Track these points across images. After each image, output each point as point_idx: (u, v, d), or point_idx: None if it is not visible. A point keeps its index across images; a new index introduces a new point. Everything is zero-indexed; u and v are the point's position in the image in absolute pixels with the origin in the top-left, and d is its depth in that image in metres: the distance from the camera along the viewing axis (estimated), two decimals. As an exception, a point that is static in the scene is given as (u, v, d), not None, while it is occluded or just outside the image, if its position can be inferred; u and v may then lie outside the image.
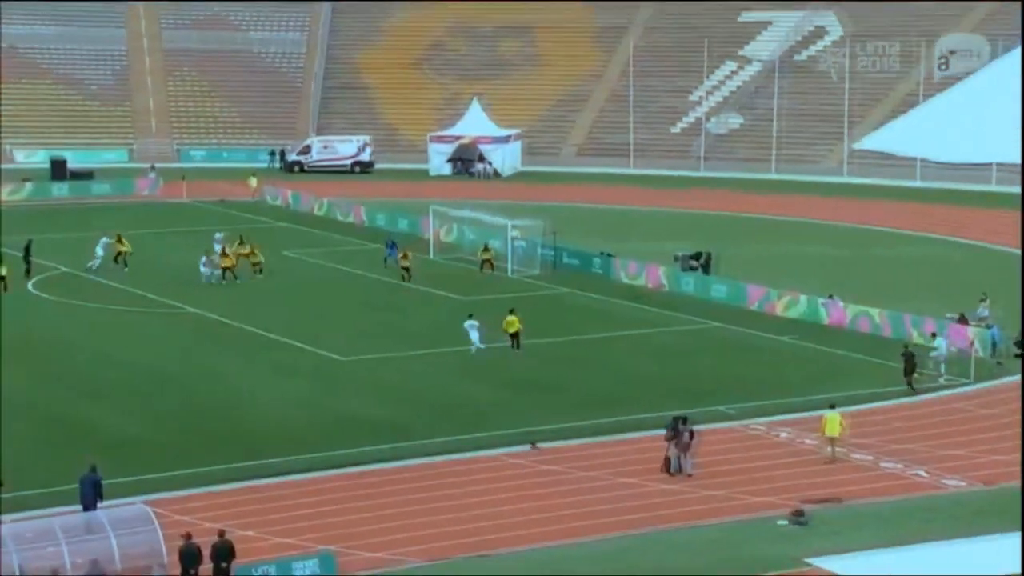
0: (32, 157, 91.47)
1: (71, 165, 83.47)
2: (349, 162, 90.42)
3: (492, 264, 54.66)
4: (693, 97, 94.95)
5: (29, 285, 51.03)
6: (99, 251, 55.19)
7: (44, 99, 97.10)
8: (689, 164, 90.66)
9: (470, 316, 42.15)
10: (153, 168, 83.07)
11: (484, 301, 49.11)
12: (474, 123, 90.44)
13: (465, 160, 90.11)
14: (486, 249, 55.28)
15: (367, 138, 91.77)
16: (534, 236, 56.96)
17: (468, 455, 32.06)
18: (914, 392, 37.53)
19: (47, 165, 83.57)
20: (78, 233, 63.41)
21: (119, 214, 71.16)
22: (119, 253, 55.23)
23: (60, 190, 78.39)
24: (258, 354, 41.52)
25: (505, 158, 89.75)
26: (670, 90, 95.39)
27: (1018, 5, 77.44)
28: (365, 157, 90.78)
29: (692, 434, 30.93)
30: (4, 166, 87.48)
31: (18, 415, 34.59)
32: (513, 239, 56.45)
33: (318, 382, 38.43)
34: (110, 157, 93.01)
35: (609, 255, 55.34)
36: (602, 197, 79.40)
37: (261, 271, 52.94)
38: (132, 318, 46.46)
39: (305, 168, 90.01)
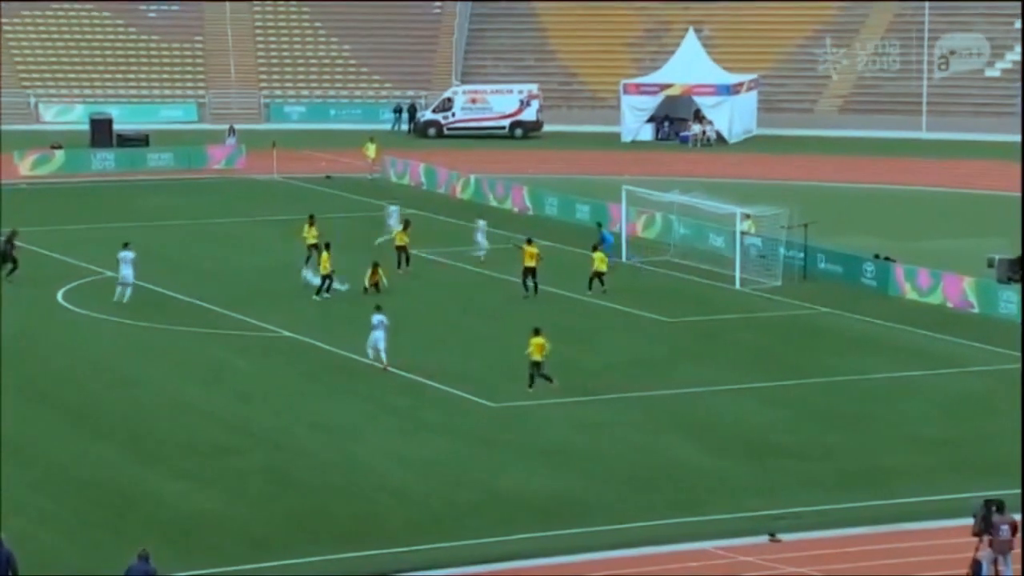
0: (65, 115, 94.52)
1: (119, 126, 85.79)
2: (507, 122, 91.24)
3: (601, 278, 51.59)
4: None
5: (59, 296, 52.61)
6: (392, 223, 58.04)
7: (82, 33, 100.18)
8: (1014, 124, 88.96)
9: (378, 308, 43.84)
10: (232, 131, 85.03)
11: (703, 324, 48.93)
12: (688, 66, 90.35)
13: (674, 119, 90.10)
14: (596, 250, 52.52)
15: (533, 87, 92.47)
16: (774, 231, 56.67)
17: (676, 548, 31.96)
18: None
19: (85, 126, 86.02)
20: (127, 223, 65.05)
21: (184, 195, 72.93)
22: (319, 248, 53.27)
23: (103, 161, 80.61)
24: (376, 397, 42.04)
25: (733, 117, 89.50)
26: (985, 13, 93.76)
27: None
28: (530, 115, 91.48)
29: (1014, 528, 30.42)
30: (27, 127, 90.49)
31: (45, 482, 35.47)
32: (743, 235, 56.26)
33: (461, 439, 38.70)
34: (172, 115, 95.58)
35: (887, 259, 54.89)
36: (878, 174, 78.41)
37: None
38: (202, 344, 47.45)
39: (445, 131, 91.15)
